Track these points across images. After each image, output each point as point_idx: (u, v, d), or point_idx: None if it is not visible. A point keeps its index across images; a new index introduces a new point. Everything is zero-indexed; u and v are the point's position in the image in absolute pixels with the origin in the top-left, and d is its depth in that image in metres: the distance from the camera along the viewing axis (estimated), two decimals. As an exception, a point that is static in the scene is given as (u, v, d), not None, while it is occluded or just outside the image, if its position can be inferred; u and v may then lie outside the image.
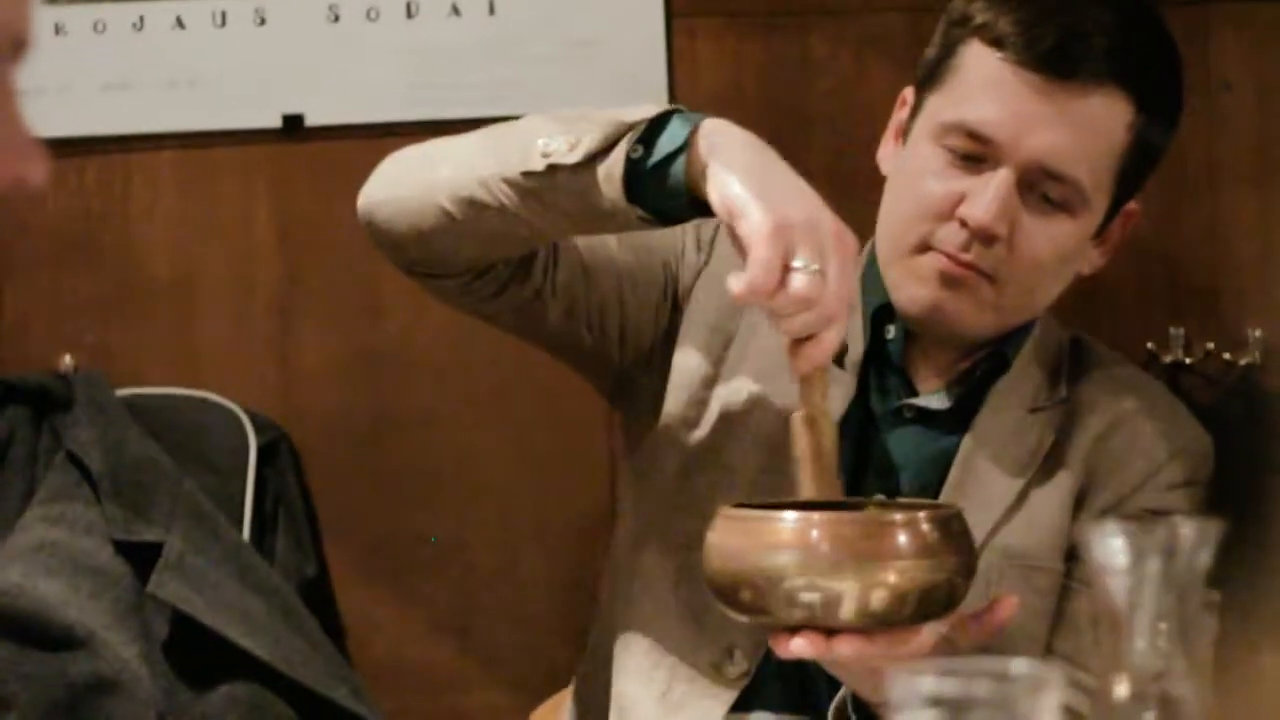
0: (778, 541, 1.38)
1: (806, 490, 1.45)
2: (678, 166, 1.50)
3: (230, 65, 2.36)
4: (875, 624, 1.38)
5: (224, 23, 2.36)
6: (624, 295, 1.76)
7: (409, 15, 2.36)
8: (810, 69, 2.37)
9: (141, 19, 2.36)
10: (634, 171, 1.51)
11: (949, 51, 1.71)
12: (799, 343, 1.44)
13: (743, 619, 1.43)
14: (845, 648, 1.38)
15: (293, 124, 2.36)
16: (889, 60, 2.32)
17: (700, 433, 1.75)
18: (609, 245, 1.76)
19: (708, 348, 1.77)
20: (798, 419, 1.46)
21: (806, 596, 1.36)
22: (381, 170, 1.72)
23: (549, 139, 1.55)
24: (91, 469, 1.90)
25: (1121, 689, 0.95)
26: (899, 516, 1.40)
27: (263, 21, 2.36)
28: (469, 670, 2.41)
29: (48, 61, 2.30)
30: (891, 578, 1.36)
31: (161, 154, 2.38)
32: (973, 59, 1.69)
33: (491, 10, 2.36)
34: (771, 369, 1.70)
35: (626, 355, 1.78)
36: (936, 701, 0.81)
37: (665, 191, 1.51)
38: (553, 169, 1.54)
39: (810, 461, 1.45)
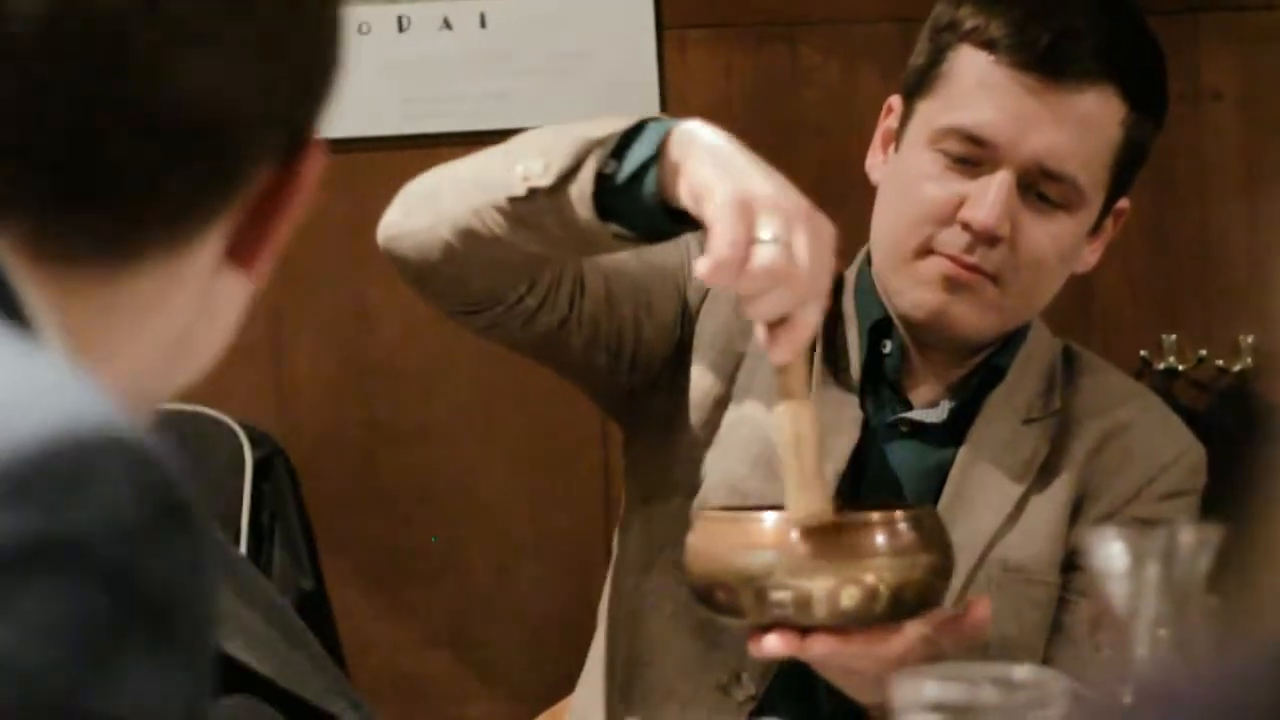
0: (750, 542, 1.39)
1: (790, 482, 1.41)
2: (650, 177, 1.44)
3: (222, 80, 2.36)
4: (849, 622, 1.37)
5: (216, 38, 2.36)
6: (640, 319, 1.74)
7: (400, 29, 2.36)
8: (800, 79, 2.38)
9: (133, 35, 2.36)
10: (609, 188, 1.47)
11: (939, 57, 1.71)
12: (774, 328, 1.37)
13: (721, 620, 1.44)
14: (819, 647, 1.38)
15: (285, 138, 2.36)
16: (879, 70, 2.33)
17: (711, 453, 1.74)
18: (629, 268, 1.73)
19: (718, 369, 1.75)
20: (780, 410, 1.40)
21: (778, 595, 1.37)
22: (394, 204, 1.69)
23: (528, 162, 1.50)
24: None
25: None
26: (871, 515, 1.40)
27: (255, 36, 2.36)
28: (466, 681, 2.41)
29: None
30: (863, 575, 1.36)
31: (154, 169, 2.38)
32: (965, 63, 1.68)
33: (483, 24, 2.36)
34: None
35: (636, 378, 1.76)
36: (939, 707, 0.81)
37: (641, 204, 1.46)
38: (532, 193, 1.50)
39: (793, 454, 1.40)
